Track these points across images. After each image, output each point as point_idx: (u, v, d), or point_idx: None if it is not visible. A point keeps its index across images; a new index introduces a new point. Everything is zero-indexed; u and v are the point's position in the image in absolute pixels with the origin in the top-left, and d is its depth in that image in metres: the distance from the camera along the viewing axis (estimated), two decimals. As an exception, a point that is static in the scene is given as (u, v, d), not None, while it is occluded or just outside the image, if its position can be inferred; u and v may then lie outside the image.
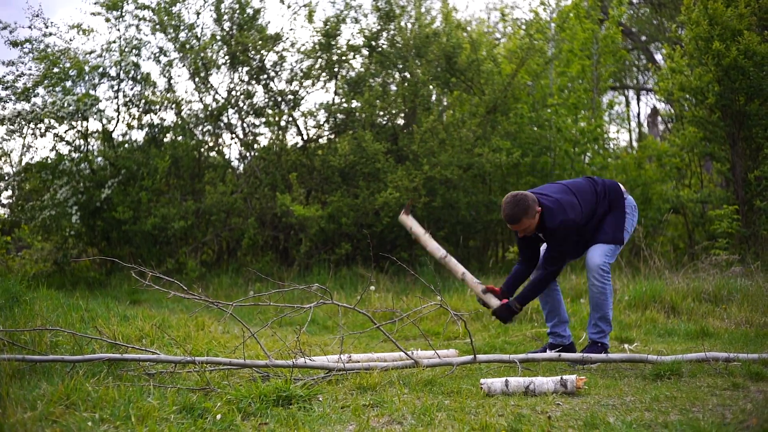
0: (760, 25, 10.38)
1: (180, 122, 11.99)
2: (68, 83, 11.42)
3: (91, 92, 11.59)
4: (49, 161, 11.48)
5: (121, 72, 11.72)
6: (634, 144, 17.41)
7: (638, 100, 20.99)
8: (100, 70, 11.61)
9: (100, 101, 11.62)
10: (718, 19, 10.03)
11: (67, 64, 11.34)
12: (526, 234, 5.02)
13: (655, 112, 18.95)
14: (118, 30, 11.73)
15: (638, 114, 20.84)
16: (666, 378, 4.41)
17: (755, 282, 7.56)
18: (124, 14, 11.65)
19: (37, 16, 11.45)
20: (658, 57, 17.47)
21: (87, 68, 11.45)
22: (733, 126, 10.16)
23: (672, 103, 12.09)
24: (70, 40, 11.80)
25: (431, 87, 11.89)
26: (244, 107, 11.93)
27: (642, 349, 5.68)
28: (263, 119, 11.97)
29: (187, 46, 11.63)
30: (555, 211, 4.92)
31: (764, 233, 9.58)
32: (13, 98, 11.23)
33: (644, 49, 18.25)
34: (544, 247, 5.32)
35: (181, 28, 11.66)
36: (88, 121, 11.72)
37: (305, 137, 12.05)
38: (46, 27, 11.53)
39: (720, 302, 7.22)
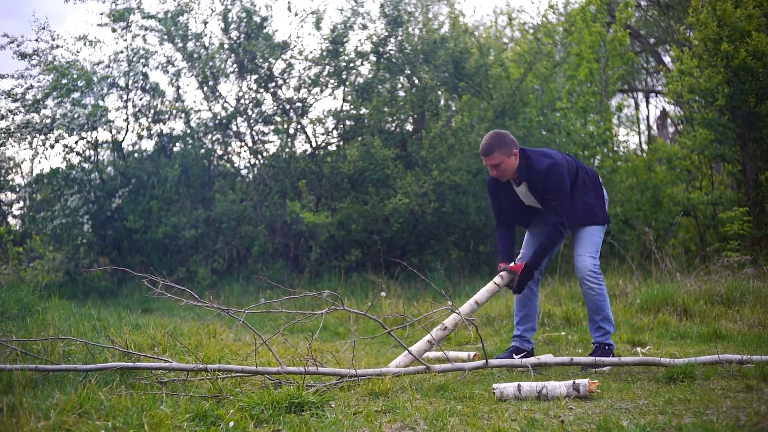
0: (768, 25, 10.35)
1: (189, 131, 12.03)
2: (77, 94, 11.48)
3: (100, 103, 11.65)
4: (60, 171, 11.53)
5: (130, 82, 11.77)
6: (644, 147, 17.36)
7: (647, 102, 20.94)
8: (109, 80, 11.67)
9: (109, 111, 11.68)
10: (726, 20, 10.01)
11: (75, 75, 11.39)
12: (500, 177, 4.97)
13: (664, 114, 18.89)
14: (125, 40, 11.80)
15: (647, 116, 20.79)
16: (679, 381, 4.39)
17: (767, 283, 7.52)
18: (130, 25, 11.70)
19: (44, 28, 11.53)
20: (667, 59, 17.43)
21: (95, 79, 11.50)
22: (744, 127, 10.12)
23: (681, 105, 12.06)
24: (77, 51, 11.89)
25: (439, 92, 11.90)
26: (253, 115, 11.97)
27: (655, 352, 5.66)
28: (272, 127, 12.00)
29: (195, 56, 11.67)
30: (541, 157, 4.93)
31: (776, 234, 9.55)
32: (23, 110, 11.30)
33: (653, 51, 18.21)
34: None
35: (189, 37, 11.70)
36: (97, 132, 11.79)
37: (314, 144, 12.08)
38: (53, 39, 11.61)
39: (732, 304, 7.18)
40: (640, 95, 20.45)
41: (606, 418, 3.51)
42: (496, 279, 5.15)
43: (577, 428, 3.44)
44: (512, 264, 5.12)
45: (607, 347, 5.14)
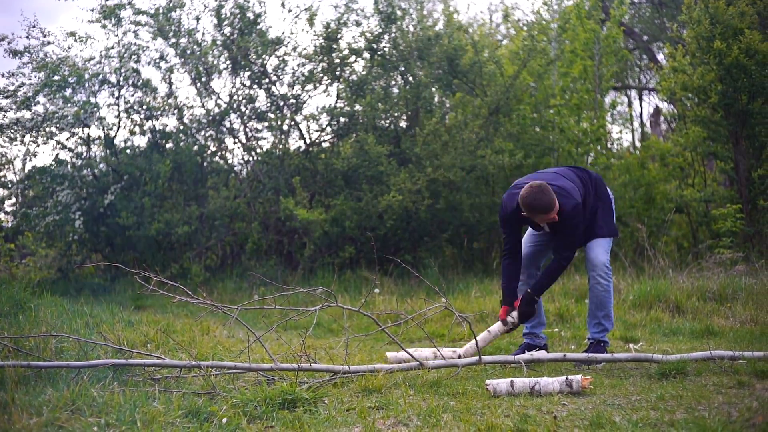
0: (762, 23, 10.37)
1: (182, 127, 12.00)
2: (68, 91, 11.44)
3: (92, 99, 11.60)
4: (51, 167, 11.49)
5: (121, 78, 11.73)
6: (637, 144, 17.37)
7: (640, 100, 20.93)
8: (100, 77, 11.62)
9: (101, 108, 11.63)
10: (719, 17, 10.02)
11: (67, 72, 11.34)
12: (545, 223, 4.93)
13: (657, 111, 18.93)
14: (116, 36, 11.74)
15: (641, 114, 20.76)
16: (671, 377, 4.41)
17: (760, 280, 7.55)
18: (121, 20, 11.65)
19: (35, 26, 11.47)
20: (660, 56, 17.45)
21: (87, 75, 11.46)
22: (736, 125, 10.15)
23: (674, 103, 12.07)
24: (69, 48, 11.80)
25: (433, 89, 11.89)
26: (247, 112, 11.95)
27: (647, 348, 5.68)
28: (265, 123, 11.98)
29: (188, 52, 11.64)
30: (566, 198, 4.87)
31: (768, 231, 9.57)
32: (14, 107, 11.26)
33: (646, 48, 18.23)
34: (525, 238, 5.31)
35: (182, 33, 11.66)
36: (89, 128, 11.74)
37: (308, 141, 12.06)
38: (44, 36, 11.55)
39: (725, 301, 7.21)
40: (634, 92, 20.46)
41: (598, 414, 3.52)
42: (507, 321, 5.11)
43: (569, 424, 3.45)
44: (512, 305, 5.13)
45: (602, 344, 5.16)
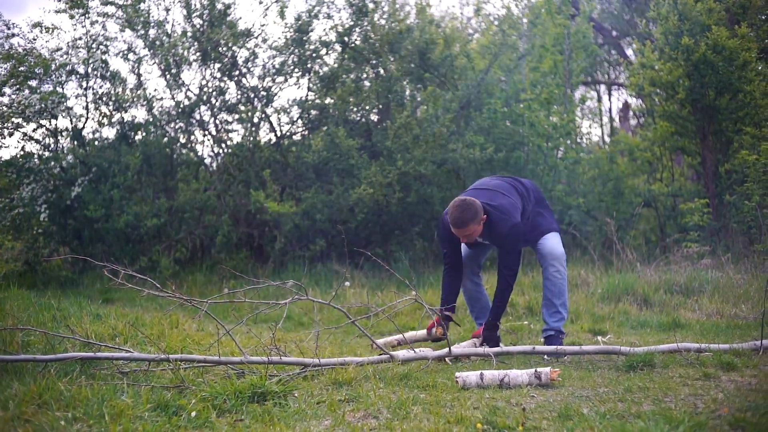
0: (729, 20, 10.50)
1: (151, 119, 11.88)
2: (34, 82, 11.29)
3: (59, 90, 11.45)
4: (18, 159, 11.34)
5: (89, 69, 11.58)
6: (607, 138, 17.54)
7: (610, 95, 21.12)
8: (68, 67, 11.47)
9: (68, 99, 11.49)
10: (687, 14, 10.14)
11: (33, 62, 11.19)
12: (468, 240, 5.06)
13: (626, 106, 19.10)
14: (84, 27, 11.59)
15: (610, 109, 20.98)
16: (639, 369, 4.46)
17: (725, 274, 7.66)
18: (89, 11, 11.51)
19: None
20: (629, 52, 17.60)
21: (54, 66, 11.31)
22: (704, 120, 10.27)
23: (643, 98, 12.19)
24: (34, 38, 11.64)
25: (405, 83, 11.89)
26: (217, 104, 11.86)
27: (615, 341, 5.74)
28: (236, 116, 11.90)
29: (157, 43, 11.52)
30: (503, 217, 5.02)
31: (734, 226, 9.70)
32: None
33: (615, 44, 18.38)
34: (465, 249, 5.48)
35: (151, 24, 11.55)
36: (57, 119, 11.59)
37: (278, 134, 12.01)
38: (9, 29, 11.40)
39: (691, 294, 7.30)
40: (603, 87, 20.64)
41: (567, 406, 3.55)
42: (438, 329, 5.31)
43: (538, 416, 3.47)
44: (444, 318, 5.31)
45: (561, 334, 5.25)
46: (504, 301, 5.15)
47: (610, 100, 21.13)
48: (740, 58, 9.75)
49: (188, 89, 11.84)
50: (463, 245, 5.43)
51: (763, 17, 11.14)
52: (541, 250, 5.29)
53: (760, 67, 10.15)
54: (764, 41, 10.68)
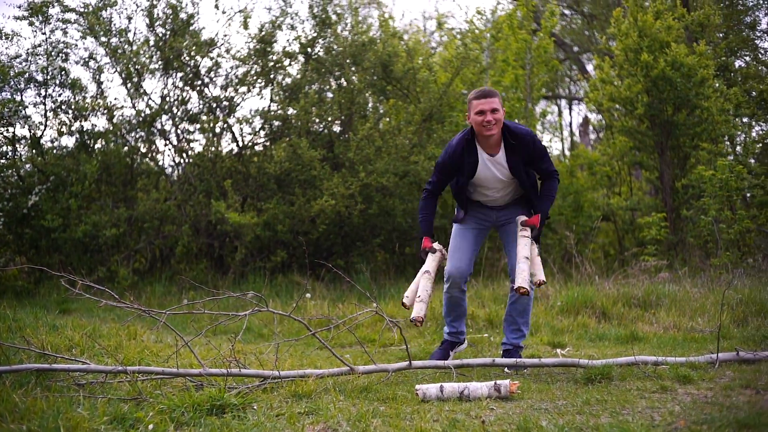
0: (688, 37, 10.70)
1: (112, 128, 11.74)
2: (-8, 89, 11.09)
3: (16, 98, 11.26)
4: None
5: (48, 77, 11.42)
6: (567, 153, 17.74)
7: (570, 109, 21.42)
8: (26, 75, 11.29)
9: (26, 107, 11.30)
10: (647, 31, 10.31)
11: (-10, 70, 10.99)
12: (489, 130, 4.92)
13: (586, 121, 19.36)
14: (44, 34, 11.43)
15: (570, 123, 21.27)
16: (597, 382, 4.49)
17: (682, 287, 7.77)
18: (49, 18, 11.35)
19: None
20: (590, 67, 17.86)
21: (12, 73, 11.13)
22: (662, 135, 10.44)
23: (602, 113, 12.36)
24: (-8, 46, 11.46)
25: (367, 95, 11.92)
26: (178, 113, 11.76)
27: (574, 353, 5.78)
28: (198, 126, 11.81)
29: (119, 51, 11.41)
30: (520, 126, 5.08)
31: (691, 240, 9.86)
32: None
33: (576, 59, 18.64)
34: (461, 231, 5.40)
35: (113, 32, 11.43)
36: (14, 128, 11.40)
37: (240, 144, 11.95)
38: (-34, 37, 11.20)
39: (649, 307, 7.39)
40: (564, 102, 20.90)
41: (526, 419, 3.57)
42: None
43: (497, 428, 3.49)
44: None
45: (519, 349, 5.28)
46: (552, 197, 5.19)
47: (570, 114, 21.45)
48: (698, 75, 9.94)
49: (150, 98, 11.74)
50: (462, 234, 5.37)
51: (721, 35, 11.39)
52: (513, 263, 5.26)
53: (717, 84, 10.35)
54: (721, 59, 10.92)
